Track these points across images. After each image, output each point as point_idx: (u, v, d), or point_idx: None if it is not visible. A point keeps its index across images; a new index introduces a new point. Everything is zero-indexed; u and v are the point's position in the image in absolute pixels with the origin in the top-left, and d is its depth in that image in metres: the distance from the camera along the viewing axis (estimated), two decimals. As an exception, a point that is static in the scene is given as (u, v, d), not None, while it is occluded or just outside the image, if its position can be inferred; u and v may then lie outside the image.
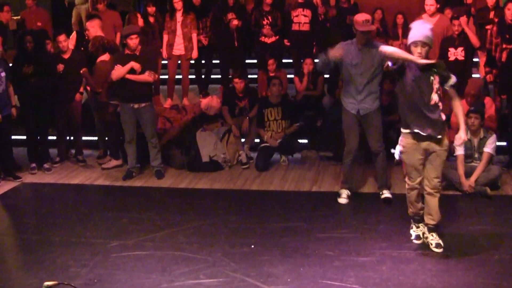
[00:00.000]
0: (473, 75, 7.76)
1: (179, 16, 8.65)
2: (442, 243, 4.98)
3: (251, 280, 4.59)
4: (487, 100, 6.96)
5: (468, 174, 6.33)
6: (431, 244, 4.98)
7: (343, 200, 6.17)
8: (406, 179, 5.10)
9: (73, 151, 8.05)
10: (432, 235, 5.02)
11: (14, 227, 5.92)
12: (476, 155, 6.44)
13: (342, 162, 6.31)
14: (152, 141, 7.09)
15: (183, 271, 4.77)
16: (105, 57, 7.22)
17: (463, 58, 7.37)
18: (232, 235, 5.43)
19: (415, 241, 5.13)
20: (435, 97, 4.73)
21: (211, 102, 8.29)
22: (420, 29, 4.65)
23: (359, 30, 5.75)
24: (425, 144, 4.85)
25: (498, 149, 6.53)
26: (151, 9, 8.74)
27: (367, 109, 5.91)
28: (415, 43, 4.63)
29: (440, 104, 4.78)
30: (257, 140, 7.82)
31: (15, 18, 9.85)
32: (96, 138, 8.17)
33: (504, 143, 7.09)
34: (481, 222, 5.58)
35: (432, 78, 4.69)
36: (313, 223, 5.63)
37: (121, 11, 10.04)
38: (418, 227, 5.19)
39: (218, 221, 5.79)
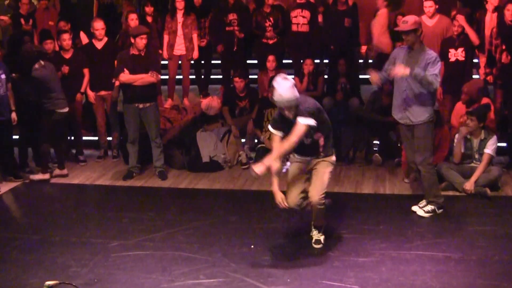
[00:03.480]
0: (474, 76, 7.76)
1: (180, 16, 8.66)
2: (322, 240, 5.12)
3: (251, 280, 4.59)
4: (485, 102, 6.96)
5: (468, 175, 6.34)
6: (312, 239, 5.12)
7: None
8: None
9: (73, 151, 8.06)
10: (315, 231, 5.17)
11: (14, 227, 5.92)
12: (477, 156, 6.45)
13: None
14: (156, 141, 7.10)
15: (183, 271, 4.77)
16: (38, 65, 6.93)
17: (463, 59, 7.37)
18: (232, 235, 5.43)
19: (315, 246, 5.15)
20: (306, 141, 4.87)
21: (212, 102, 8.30)
22: (281, 92, 4.60)
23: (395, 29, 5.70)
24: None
25: (498, 150, 6.53)
26: (149, 9, 8.74)
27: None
28: (280, 108, 4.70)
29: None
30: (256, 141, 7.83)
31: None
32: (96, 138, 8.19)
33: (504, 144, 7.10)
34: (481, 223, 5.58)
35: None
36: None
37: (121, 11, 10.07)
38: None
39: (218, 221, 5.80)
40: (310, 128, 4.70)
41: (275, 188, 4.89)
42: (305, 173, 5.06)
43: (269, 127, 4.97)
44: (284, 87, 4.61)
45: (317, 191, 4.88)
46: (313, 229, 5.22)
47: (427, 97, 5.54)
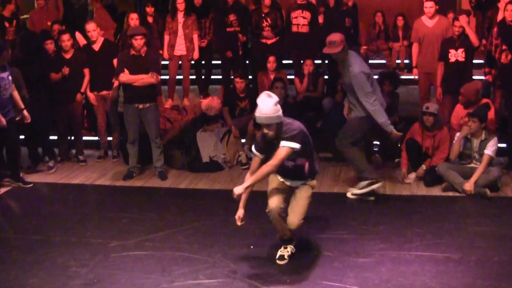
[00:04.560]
0: (474, 77, 7.77)
1: (180, 17, 8.67)
2: (285, 256, 4.90)
3: (250, 281, 4.60)
4: (485, 102, 6.97)
5: (467, 175, 6.35)
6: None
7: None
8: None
9: (73, 151, 8.06)
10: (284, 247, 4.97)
11: (14, 227, 5.92)
12: (477, 157, 6.46)
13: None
14: (156, 141, 7.10)
15: (183, 271, 4.78)
16: None
17: (463, 59, 7.39)
18: (232, 235, 5.43)
19: (278, 261, 4.92)
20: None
21: (212, 102, 8.30)
22: (263, 109, 4.50)
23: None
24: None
25: (498, 150, 6.53)
26: (149, 10, 8.75)
27: None
28: (261, 124, 4.58)
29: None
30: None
31: (23, 17, 9.86)
32: (96, 138, 8.20)
33: (504, 145, 7.10)
34: (480, 224, 5.59)
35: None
36: (312, 224, 5.63)
37: (121, 11, 10.08)
38: (286, 248, 4.98)
39: (218, 221, 5.80)
40: (293, 151, 4.58)
41: (242, 204, 4.77)
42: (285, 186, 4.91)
43: (252, 148, 4.82)
44: (267, 104, 4.47)
45: (296, 217, 4.76)
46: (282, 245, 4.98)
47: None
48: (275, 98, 4.53)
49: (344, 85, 6.36)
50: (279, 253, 4.94)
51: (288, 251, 4.94)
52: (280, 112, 4.53)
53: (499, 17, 7.64)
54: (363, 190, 6.20)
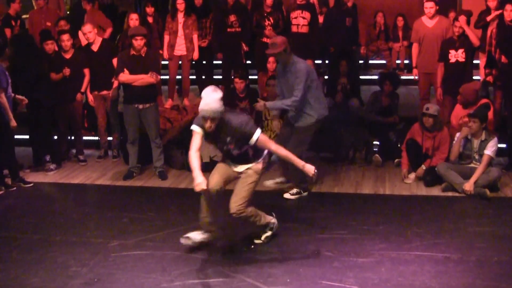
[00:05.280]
0: (474, 77, 7.78)
1: (180, 17, 8.68)
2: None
3: (250, 280, 4.60)
4: (484, 102, 6.98)
5: (467, 176, 6.35)
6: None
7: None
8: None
9: (73, 151, 8.07)
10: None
11: (14, 227, 5.92)
12: (476, 157, 6.46)
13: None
14: (155, 141, 7.11)
15: (183, 271, 4.78)
16: None
17: (463, 60, 7.39)
18: (231, 235, 5.43)
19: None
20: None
21: (212, 102, 8.28)
22: (208, 102, 4.63)
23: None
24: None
25: (498, 151, 6.54)
26: (149, 10, 8.76)
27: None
28: (204, 116, 4.67)
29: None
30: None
31: (25, 17, 9.87)
32: (96, 138, 8.21)
33: (504, 145, 7.11)
34: (480, 224, 5.59)
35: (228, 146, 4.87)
36: (312, 224, 5.64)
37: (122, 11, 10.09)
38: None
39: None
40: (241, 139, 4.74)
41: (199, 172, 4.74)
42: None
43: (193, 125, 4.85)
44: (213, 98, 4.60)
45: (236, 201, 4.86)
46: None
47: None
48: (220, 93, 4.67)
49: (281, 91, 6.31)
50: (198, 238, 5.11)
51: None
52: (223, 108, 4.67)
53: (489, 18, 7.67)
54: (294, 197, 6.34)
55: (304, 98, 6.03)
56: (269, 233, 5.25)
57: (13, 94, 6.86)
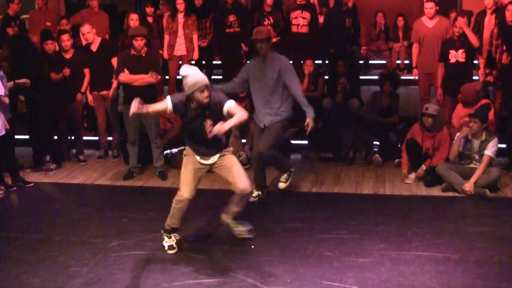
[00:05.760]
0: (474, 77, 7.78)
1: (180, 17, 8.68)
2: (174, 245, 5.14)
3: (250, 280, 4.60)
4: (484, 102, 6.98)
5: (467, 176, 6.35)
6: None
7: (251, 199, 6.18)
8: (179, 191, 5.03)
9: (73, 151, 8.07)
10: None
11: (14, 227, 5.92)
12: (476, 157, 6.46)
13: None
14: (155, 141, 7.11)
15: (183, 271, 4.79)
16: None
17: (463, 60, 7.39)
18: (231, 235, 5.42)
19: (170, 252, 5.14)
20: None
21: (212, 102, 8.29)
22: (196, 73, 4.69)
23: (252, 38, 6.03)
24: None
25: (498, 151, 6.54)
26: (149, 10, 8.76)
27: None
28: (201, 89, 4.65)
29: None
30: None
31: (25, 17, 9.88)
32: (96, 138, 8.21)
33: (504, 145, 7.11)
34: (480, 224, 5.59)
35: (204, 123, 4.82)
36: (312, 224, 5.64)
37: (121, 11, 10.10)
38: (170, 238, 5.20)
39: (218, 221, 5.79)
40: (217, 111, 4.72)
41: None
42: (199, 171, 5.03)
43: (167, 98, 4.87)
44: (197, 70, 4.70)
45: (245, 181, 4.85)
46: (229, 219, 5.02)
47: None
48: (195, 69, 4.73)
49: (242, 81, 6.12)
50: (167, 244, 5.15)
51: (173, 240, 5.16)
52: None
53: (486, 19, 7.67)
54: (289, 181, 6.22)
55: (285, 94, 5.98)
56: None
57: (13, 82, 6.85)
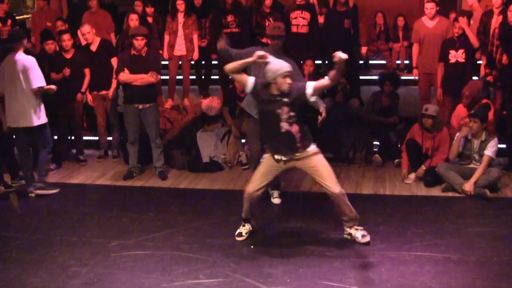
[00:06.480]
0: (474, 78, 7.78)
1: (180, 17, 8.68)
2: (243, 233, 5.36)
3: (250, 281, 4.60)
4: (484, 102, 6.98)
5: (467, 176, 6.36)
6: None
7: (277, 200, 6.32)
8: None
9: (73, 151, 8.07)
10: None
11: (14, 226, 5.93)
12: (476, 157, 6.46)
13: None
14: (156, 141, 7.11)
15: (183, 271, 4.78)
16: None
17: (463, 60, 7.39)
18: (231, 235, 5.44)
19: (237, 238, 5.34)
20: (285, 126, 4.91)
21: (212, 102, 8.31)
22: (278, 61, 4.83)
23: (268, 34, 6.03)
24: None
25: (498, 151, 6.54)
26: (149, 10, 8.76)
27: None
28: (285, 75, 4.78)
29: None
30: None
31: (26, 17, 9.86)
32: (96, 138, 8.21)
33: (504, 146, 7.11)
34: (480, 224, 5.59)
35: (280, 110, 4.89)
36: (312, 224, 5.64)
37: (122, 11, 10.08)
38: (244, 226, 5.41)
39: (218, 221, 5.81)
40: (297, 98, 4.84)
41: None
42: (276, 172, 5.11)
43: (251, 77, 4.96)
44: (280, 60, 4.84)
45: (334, 184, 4.94)
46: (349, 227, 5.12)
47: None
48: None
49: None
50: (238, 230, 5.36)
51: (246, 229, 5.36)
52: None
53: (493, 20, 7.66)
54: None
55: None
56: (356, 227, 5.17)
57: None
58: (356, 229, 5.10)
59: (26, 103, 6.38)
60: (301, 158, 4.99)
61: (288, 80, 4.79)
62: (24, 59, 6.39)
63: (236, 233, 5.36)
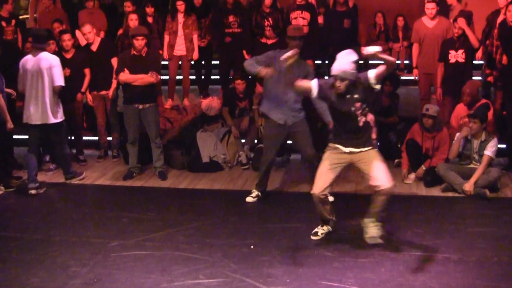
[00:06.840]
0: (474, 78, 7.78)
1: (180, 17, 8.68)
2: (319, 233, 5.34)
3: (250, 281, 4.60)
4: (484, 102, 6.98)
5: (467, 176, 6.36)
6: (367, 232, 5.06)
7: (250, 199, 6.36)
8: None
9: (73, 151, 8.06)
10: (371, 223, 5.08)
11: (14, 226, 5.92)
12: (476, 157, 6.46)
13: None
14: (155, 141, 7.11)
15: (183, 271, 4.78)
16: None
17: (463, 61, 7.39)
18: (231, 235, 5.44)
19: (312, 237, 5.33)
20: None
21: (212, 102, 8.31)
22: (341, 63, 4.79)
23: (289, 35, 6.02)
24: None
25: (498, 151, 6.54)
26: (149, 10, 8.76)
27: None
28: (335, 77, 4.79)
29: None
30: (256, 141, 7.83)
31: (26, 17, 9.87)
32: (96, 138, 8.20)
33: (504, 146, 7.11)
34: (480, 224, 5.60)
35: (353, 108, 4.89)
36: (312, 224, 5.63)
37: (122, 11, 10.08)
38: (322, 226, 5.38)
39: (218, 221, 5.81)
40: (368, 94, 4.83)
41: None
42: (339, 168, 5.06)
43: (314, 81, 4.98)
44: (346, 59, 4.76)
45: (385, 177, 4.88)
46: (370, 220, 5.03)
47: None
48: (354, 56, 4.79)
49: (280, 81, 5.94)
50: (315, 229, 5.34)
51: (324, 229, 5.33)
52: (355, 71, 4.78)
53: (499, 20, 7.66)
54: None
55: None
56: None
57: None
58: (374, 226, 5.02)
59: (48, 100, 6.58)
60: (365, 151, 4.98)
61: (337, 83, 4.77)
62: (49, 57, 6.65)
63: (313, 232, 5.34)
